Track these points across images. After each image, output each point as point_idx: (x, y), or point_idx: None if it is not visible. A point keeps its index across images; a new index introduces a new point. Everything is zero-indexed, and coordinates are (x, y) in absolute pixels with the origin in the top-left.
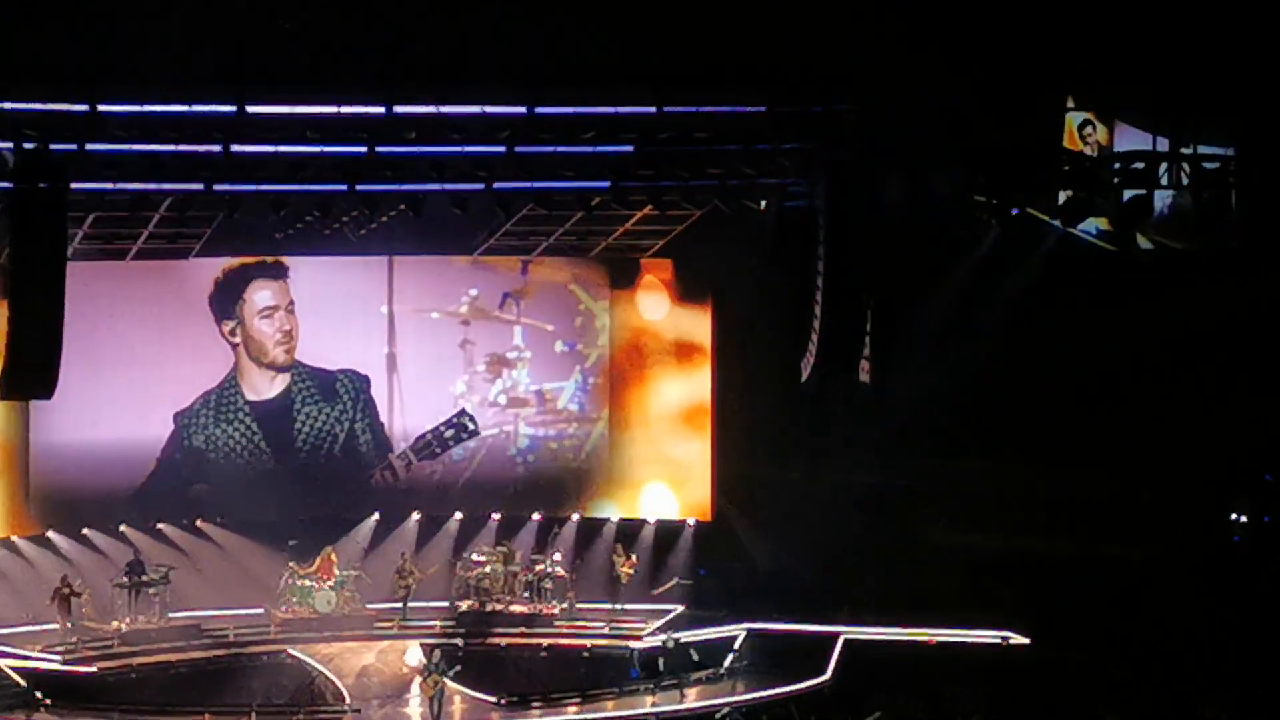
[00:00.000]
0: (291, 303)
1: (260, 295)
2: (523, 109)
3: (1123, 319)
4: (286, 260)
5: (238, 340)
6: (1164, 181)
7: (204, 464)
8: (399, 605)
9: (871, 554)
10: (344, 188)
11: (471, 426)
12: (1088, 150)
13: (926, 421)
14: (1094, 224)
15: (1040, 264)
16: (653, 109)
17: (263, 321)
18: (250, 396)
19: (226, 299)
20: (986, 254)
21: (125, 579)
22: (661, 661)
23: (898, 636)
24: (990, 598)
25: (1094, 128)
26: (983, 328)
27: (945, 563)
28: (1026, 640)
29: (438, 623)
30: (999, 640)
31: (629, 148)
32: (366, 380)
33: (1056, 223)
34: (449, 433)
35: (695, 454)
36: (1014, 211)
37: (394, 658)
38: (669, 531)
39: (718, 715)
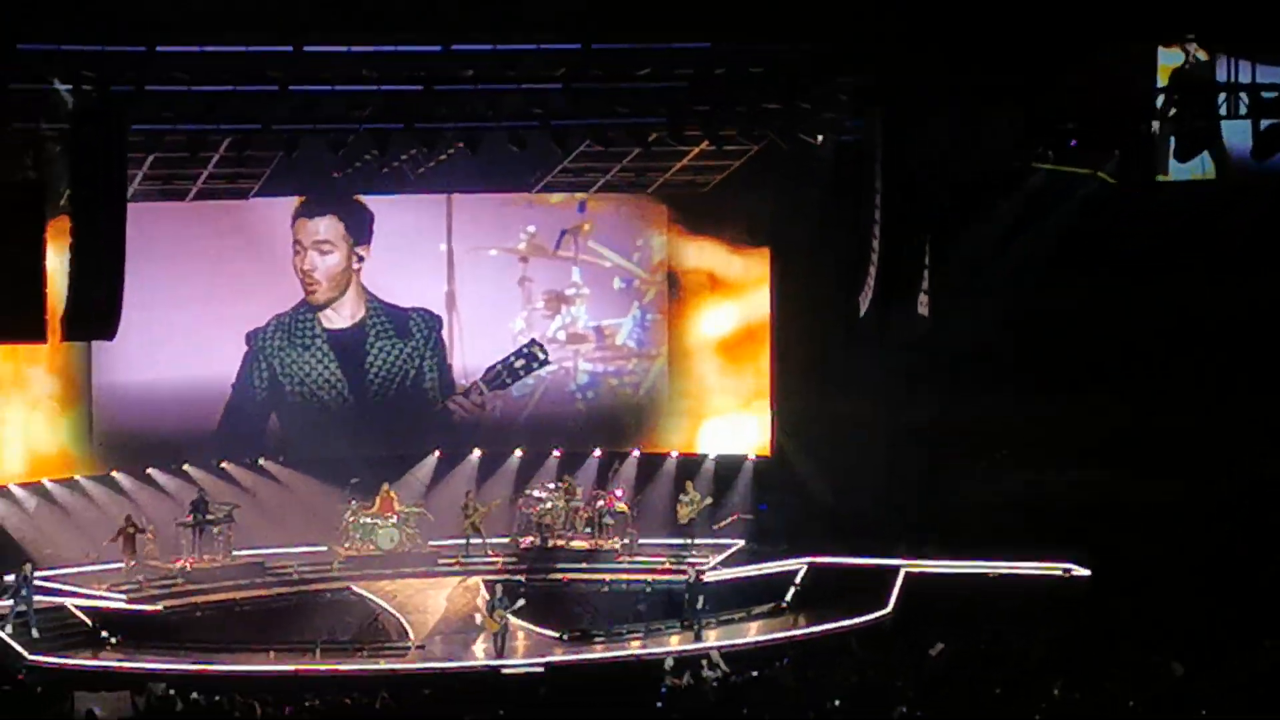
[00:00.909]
0: (321, 242)
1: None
2: (578, 46)
3: (1186, 248)
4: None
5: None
6: (1223, 111)
7: (278, 392)
8: (463, 542)
9: (931, 488)
10: (401, 126)
11: (542, 356)
12: (1187, 66)
13: (986, 355)
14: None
15: (1099, 193)
16: (708, 44)
17: (296, 258)
18: (325, 324)
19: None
20: (1043, 185)
21: (189, 518)
22: (686, 598)
23: (958, 570)
24: (1050, 532)
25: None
26: (1041, 259)
27: (1005, 497)
28: (1087, 573)
29: (500, 559)
30: (1060, 573)
31: (685, 84)
32: (439, 320)
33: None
34: (519, 363)
35: (754, 389)
36: (1072, 143)
37: (457, 594)
38: (729, 467)
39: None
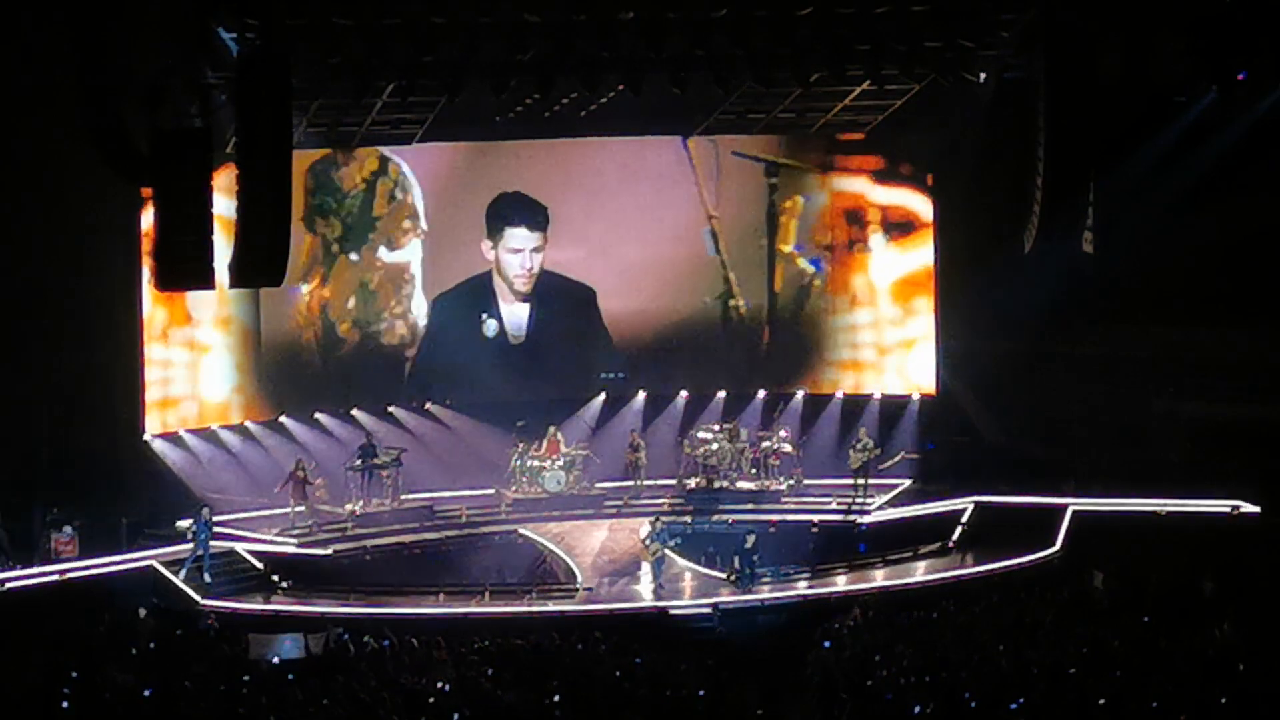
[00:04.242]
0: (538, 248)
1: (515, 234)
2: None
3: None
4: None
5: (492, 260)
6: None
7: (449, 338)
8: (630, 483)
9: (1098, 425)
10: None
11: None
12: None
13: (1150, 291)
14: None
15: (1262, 125)
16: None
17: (511, 255)
18: (501, 302)
19: (492, 223)
20: (1205, 117)
21: (358, 462)
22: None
23: (1126, 508)
24: (1219, 467)
25: None
26: (1206, 192)
27: (1172, 432)
28: (1256, 509)
29: (665, 500)
30: (1228, 510)
31: (847, 22)
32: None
33: None
34: None
35: (919, 328)
36: (1241, 76)
37: (624, 535)
38: (894, 407)
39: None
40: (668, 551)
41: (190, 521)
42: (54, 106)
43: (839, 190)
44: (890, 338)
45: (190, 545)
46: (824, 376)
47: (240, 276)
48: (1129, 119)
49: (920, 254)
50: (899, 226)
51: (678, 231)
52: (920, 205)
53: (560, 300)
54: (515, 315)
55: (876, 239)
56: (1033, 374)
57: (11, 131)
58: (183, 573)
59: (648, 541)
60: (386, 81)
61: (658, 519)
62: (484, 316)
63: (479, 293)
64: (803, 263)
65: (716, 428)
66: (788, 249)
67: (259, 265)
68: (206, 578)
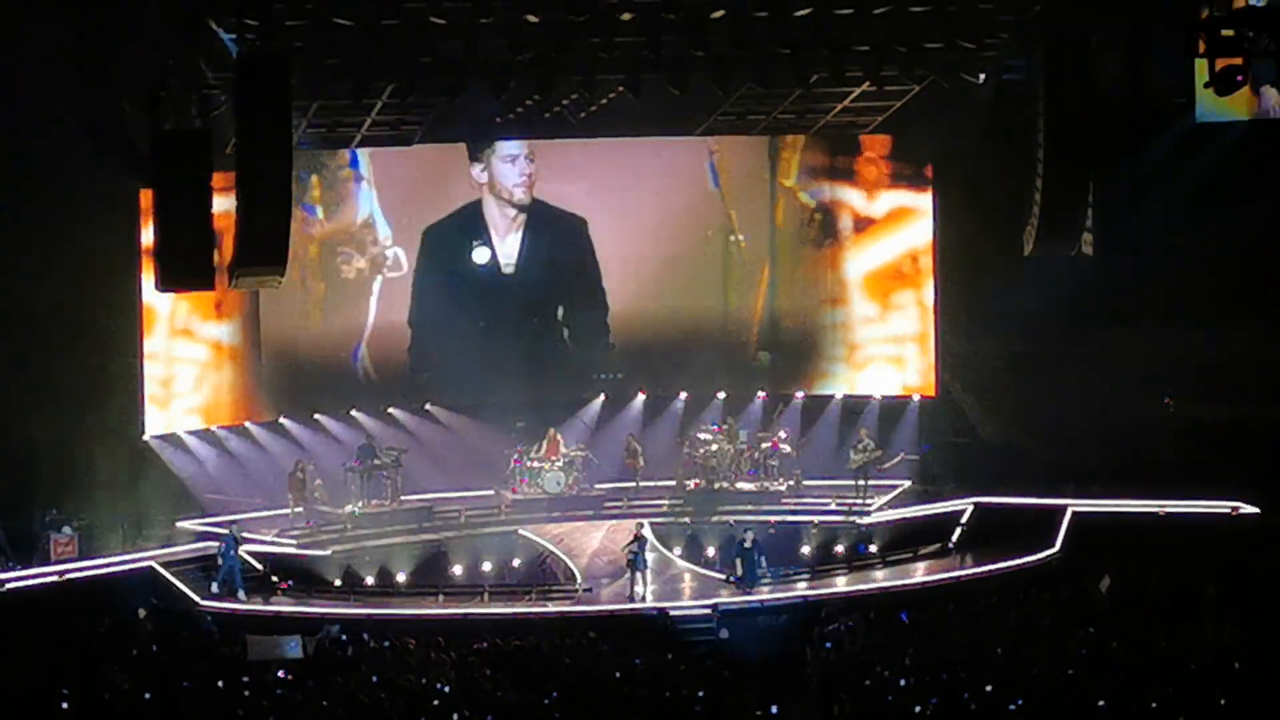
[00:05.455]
0: (530, 155)
1: (506, 145)
2: None
3: None
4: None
5: (484, 181)
6: None
7: (446, 327)
8: (628, 485)
9: (1098, 425)
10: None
11: None
12: None
13: (1150, 291)
14: None
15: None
16: None
17: (508, 166)
18: (493, 231)
19: (477, 144)
20: (1201, 120)
21: (357, 463)
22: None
23: (1126, 508)
24: (1219, 467)
25: None
26: (1206, 193)
27: (1172, 433)
28: (1256, 509)
29: (665, 502)
30: (1228, 510)
31: (846, 23)
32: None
33: None
34: None
35: (919, 329)
36: (1239, 79)
37: (623, 536)
38: (893, 408)
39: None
40: (661, 549)
41: (219, 542)
42: (54, 106)
43: (836, 191)
44: (889, 338)
45: (222, 562)
46: (824, 378)
47: (240, 277)
48: (1129, 120)
49: (920, 254)
50: (899, 226)
51: (679, 169)
52: (920, 205)
53: (552, 230)
54: (507, 244)
55: (875, 238)
56: (1033, 374)
57: (12, 131)
58: (214, 585)
59: (628, 544)
60: (386, 81)
61: (640, 525)
62: (475, 243)
63: (470, 222)
64: (804, 197)
65: (715, 428)
66: (789, 183)
67: (259, 265)
68: (241, 594)
